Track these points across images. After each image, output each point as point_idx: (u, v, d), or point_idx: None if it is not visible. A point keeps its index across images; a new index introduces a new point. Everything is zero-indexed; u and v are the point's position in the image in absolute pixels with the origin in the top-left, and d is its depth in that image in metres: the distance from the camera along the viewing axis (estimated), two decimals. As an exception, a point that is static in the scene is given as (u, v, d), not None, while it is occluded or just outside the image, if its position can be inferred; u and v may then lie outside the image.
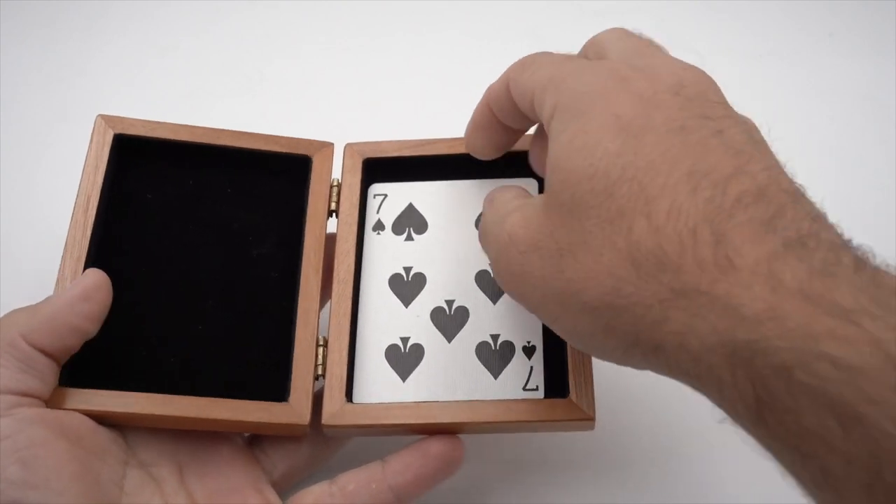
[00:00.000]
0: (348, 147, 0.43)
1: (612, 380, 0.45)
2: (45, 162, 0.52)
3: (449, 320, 0.40)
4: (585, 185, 0.29)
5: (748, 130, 0.30)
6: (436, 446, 0.37)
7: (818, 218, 0.27)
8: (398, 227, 0.42)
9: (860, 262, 0.25)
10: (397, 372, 0.39)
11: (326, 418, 0.37)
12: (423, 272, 0.41)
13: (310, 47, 0.59)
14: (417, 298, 0.40)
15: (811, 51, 0.60)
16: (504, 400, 0.37)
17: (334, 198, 0.42)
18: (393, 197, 0.42)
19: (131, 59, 0.57)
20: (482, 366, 0.38)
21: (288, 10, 0.61)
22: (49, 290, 0.38)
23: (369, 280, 0.41)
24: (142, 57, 0.57)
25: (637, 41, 0.34)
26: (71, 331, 0.35)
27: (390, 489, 0.37)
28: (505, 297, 0.40)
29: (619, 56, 0.33)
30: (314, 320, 0.39)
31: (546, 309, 0.31)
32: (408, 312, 0.40)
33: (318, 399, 0.38)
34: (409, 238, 0.41)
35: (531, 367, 0.38)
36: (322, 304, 0.41)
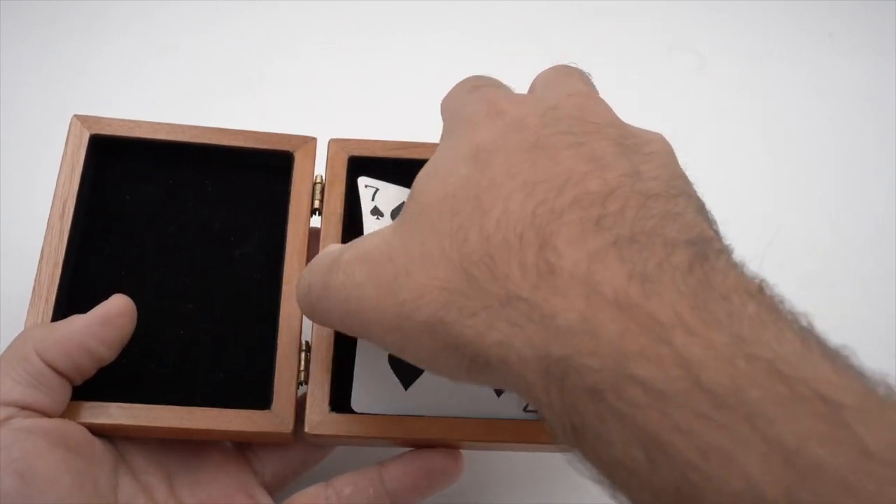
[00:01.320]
0: (333, 142, 0.42)
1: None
2: (44, 162, 0.52)
3: None
4: (435, 208, 0.28)
5: (625, 146, 0.28)
6: (437, 459, 0.36)
7: (672, 217, 0.25)
8: (397, 216, 0.40)
9: (698, 260, 0.23)
10: (401, 379, 0.37)
11: (309, 428, 0.36)
12: None
13: (310, 47, 0.59)
14: None
15: (811, 51, 0.60)
16: (493, 419, 0.37)
17: (318, 195, 0.41)
18: (385, 192, 0.41)
19: (131, 59, 0.57)
20: None
21: (288, 10, 0.61)
22: (49, 291, 0.37)
23: None
24: (142, 57, 0.57)
25: (555, 75, 0.33)
26: (84, 353, 0.35)
27: (387, 495, 0.36)
28: None
29: (539, 90, 0.33)
30: (297, 325, 0.38)
31: (388, 339, 0.29)
32: None
33: (302, 405, 0.37)
34: None
35: None
36: None
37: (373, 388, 0.37)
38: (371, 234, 0.31)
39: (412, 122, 0.55)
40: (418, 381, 0.37)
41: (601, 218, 0.25)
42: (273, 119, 0.55)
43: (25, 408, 0.34)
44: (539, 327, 0.24)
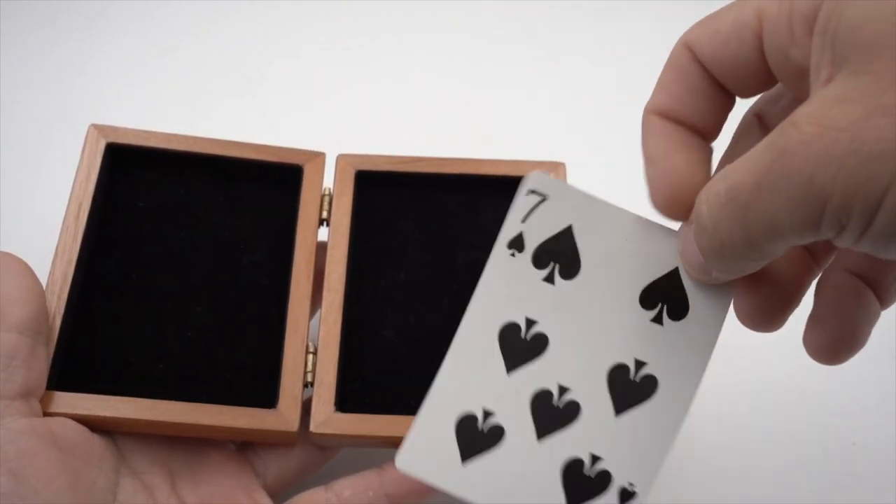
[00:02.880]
0: (341, 158, 0.43)
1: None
2: (45, 162, 0.52)
3: (552, 413, 0.31)
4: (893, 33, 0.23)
5: None
6: None
7: None
8: (541, 258, 0.31)
9: None
10: (460, 448, 0.31)
11: (314, 427, 0.37)
12: (547, 334, 0.31)
13: (310, 47, 0.59)
14: (526, 367, 0.31)
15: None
16: None
17: (325, 207, 0.42)
18: (553, 203, 0.32)
19: (131, 60, 0.57)
20: (561, 490, 0.30)
21: (288, 10, 0.61)
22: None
23: (478, 317, 0.31)
24: (142, 57, 0.57)
25: None
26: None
27: (387, 497, 0.37)
28: (631, 415, 0.31)
29: None
30: (304, 328, 0.39)
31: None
32: (507, 381, 0.31)
33: (307, 408, 0.38)
34: (550, 279, 0.31)
35: None
36: (312, 312, 0.40)
37: (426, 449, 0.31)
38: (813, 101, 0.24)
39: (411, 121, 0.55)
40: (479, 458, 0.31)
41: None
42: (273, 119, 0.55)
43: (8, 398, 0.34)
44: None
